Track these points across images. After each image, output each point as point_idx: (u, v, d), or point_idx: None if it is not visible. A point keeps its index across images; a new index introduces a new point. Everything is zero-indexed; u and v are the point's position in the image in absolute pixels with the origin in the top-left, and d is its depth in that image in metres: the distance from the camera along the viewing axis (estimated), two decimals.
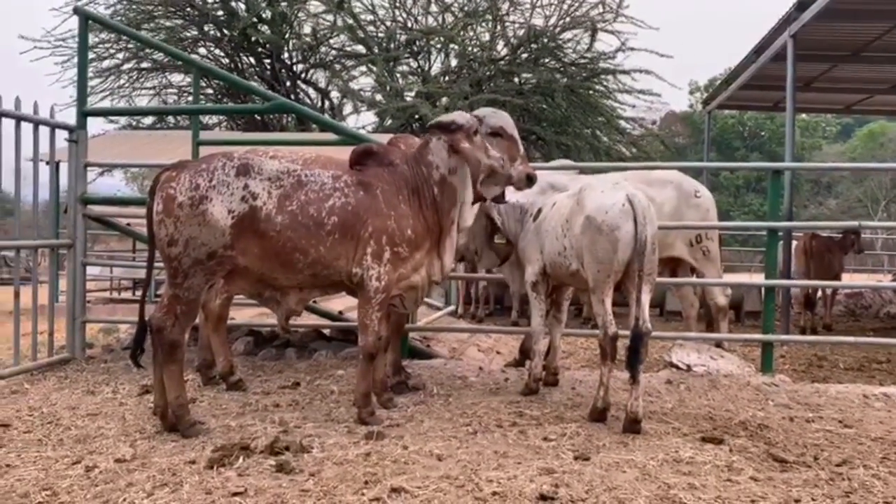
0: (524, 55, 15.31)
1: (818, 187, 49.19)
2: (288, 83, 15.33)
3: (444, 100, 14.24)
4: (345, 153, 4.25)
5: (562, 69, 15.40)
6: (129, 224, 6.18)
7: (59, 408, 4.51)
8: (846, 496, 3.15)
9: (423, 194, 4.16)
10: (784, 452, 3.71)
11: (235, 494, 2.98)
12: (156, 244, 3.85)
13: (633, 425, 3.92)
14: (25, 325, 5.50)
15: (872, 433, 4.14)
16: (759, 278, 16.45)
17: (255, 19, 14.29)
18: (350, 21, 14.57)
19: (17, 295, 5.19)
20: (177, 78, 15.45)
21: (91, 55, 14.31)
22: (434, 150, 4.19)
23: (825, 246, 11.68)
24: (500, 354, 6.40)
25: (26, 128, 5.29)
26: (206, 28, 14.90)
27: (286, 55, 15.37)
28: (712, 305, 6.35)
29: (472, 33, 15.66)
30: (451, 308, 8.17)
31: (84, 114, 5.81)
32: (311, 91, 16.04)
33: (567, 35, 15.32)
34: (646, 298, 3.95)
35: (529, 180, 4.39)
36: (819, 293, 12.02)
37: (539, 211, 4.68)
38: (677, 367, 5.38)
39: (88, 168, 6.02)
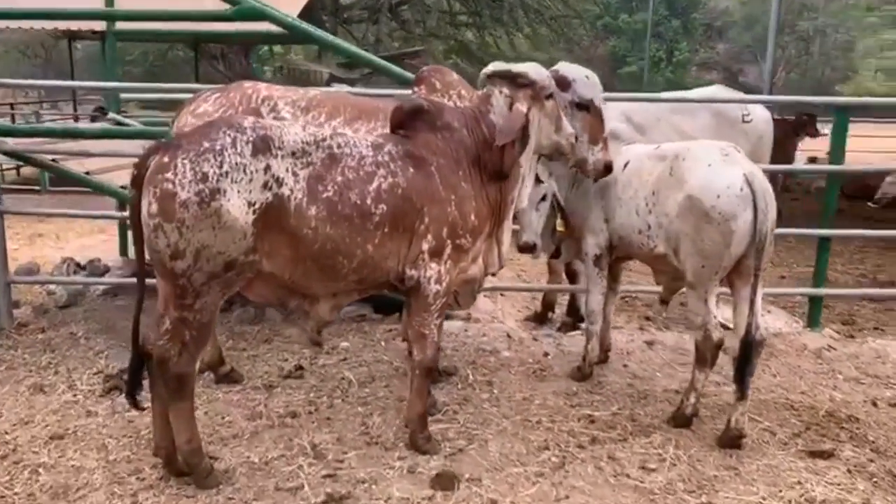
0: None
1: (711, 31, 49.38)
2: None
3: None
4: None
5: None
6: (55, 160, 4.93)
7: (9, 424, 3.57)
8: None
9: (486, 166, 3.27)
10: None
11: None
12: (150, 255, 2.84)
13: (734, 441, 3.39)
14: None
15: None
16: None
17: None
18: None
19: None
20: None
21: None
22: (497, 107, 3.27)
23: (780, 130, 11.31)
24: (505, 297, 5.73)
25: None
26: None
27: None
28: None
29: None
30: None
31: None
32: None
33: None
34: (759, 299, 3.30)
35: (607, 170, 3.65)
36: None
37: None
38: (725, 327, 4.85)
39: None
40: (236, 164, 2.77)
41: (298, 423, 3.59)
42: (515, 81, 3.25)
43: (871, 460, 3.38)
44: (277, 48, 23.24)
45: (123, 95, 6.65)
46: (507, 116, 3.19)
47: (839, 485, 3.16)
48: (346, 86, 7.50)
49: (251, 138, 2.83)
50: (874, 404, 3.98)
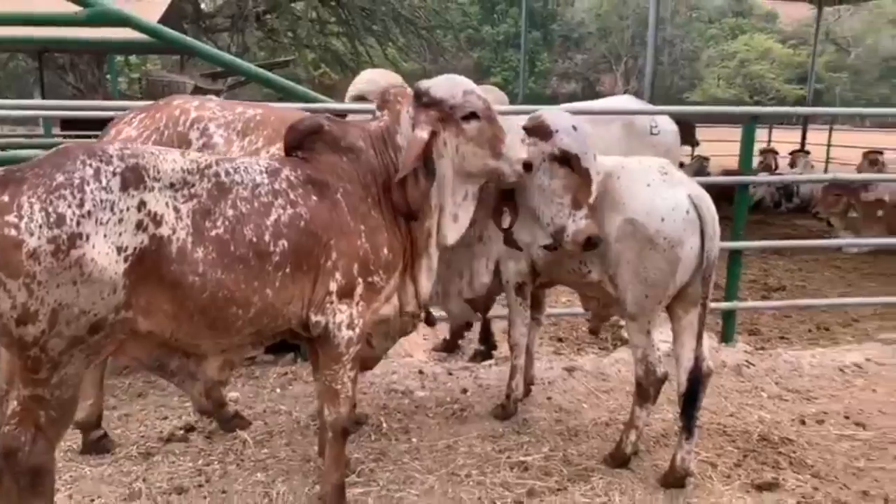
0: None
1: (569, 42, 50.96)
2: None
3: None
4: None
5: None
6: None
7: None
8: None
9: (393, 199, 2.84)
10: (843, 492, 3.18)
11: None
12: None
13: (679, 481, 3.12)
14: None
15: (890, 435, 3.73)
16: None
17: None
18: None
19: None
20: None
21: None
22: (404, 128, 2.86)
23: None
24: None
25: None
26: None
27: None
28: None
29: None
30: None
31: None
32: None
33: None
34: (703, 328, 3.04)
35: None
36: None
37: None
38: None
39: None
40: (101, 200, 2.22)
41: (187, 500, 3.03)
42: (419, 99, 2.84)
43: (816, 488, 3.21)
44: (134, 58, 21.82)
45: None
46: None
47: None
48: (214, 97, 6.83)
49: (119, 169, 2.29)
50: (802, 422, 3.85)
